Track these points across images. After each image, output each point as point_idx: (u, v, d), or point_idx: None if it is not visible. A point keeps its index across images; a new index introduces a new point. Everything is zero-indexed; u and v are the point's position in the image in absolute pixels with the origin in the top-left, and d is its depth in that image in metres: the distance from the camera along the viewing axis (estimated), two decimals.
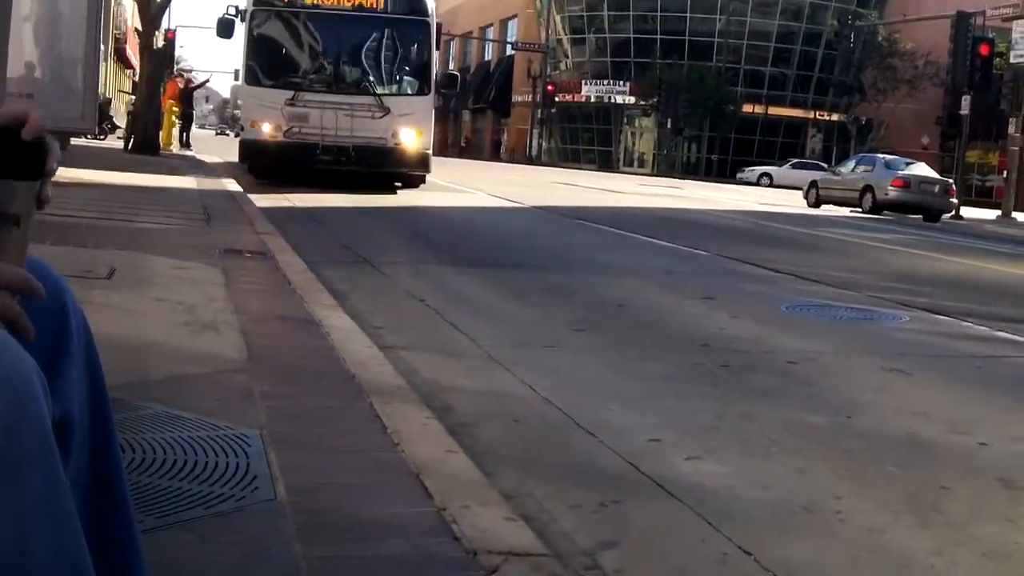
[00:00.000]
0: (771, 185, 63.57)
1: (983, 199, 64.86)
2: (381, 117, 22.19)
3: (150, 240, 10.31)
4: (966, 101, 38.99)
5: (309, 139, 21.82)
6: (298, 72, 22.90)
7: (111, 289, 7.35)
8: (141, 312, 6.65)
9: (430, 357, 6.76)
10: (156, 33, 30.49)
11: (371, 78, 23.00)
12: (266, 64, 22.73)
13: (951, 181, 37.43)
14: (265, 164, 22.96)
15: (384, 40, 23.18)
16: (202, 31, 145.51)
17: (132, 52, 49.84)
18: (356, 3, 22.65)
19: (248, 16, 22.64)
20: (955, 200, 36.44)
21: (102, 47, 19.38)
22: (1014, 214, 37.85)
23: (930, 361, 8.17)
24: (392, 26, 23.05)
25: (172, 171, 22.36)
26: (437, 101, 24.89)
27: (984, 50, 35.30)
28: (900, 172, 35.47)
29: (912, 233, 26.25)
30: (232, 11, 23.84)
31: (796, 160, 72.42)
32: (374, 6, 22.77)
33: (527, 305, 9.42)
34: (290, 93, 21.95)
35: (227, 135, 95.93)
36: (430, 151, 23.25)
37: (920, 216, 34.82)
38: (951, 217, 35.95)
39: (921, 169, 36.56)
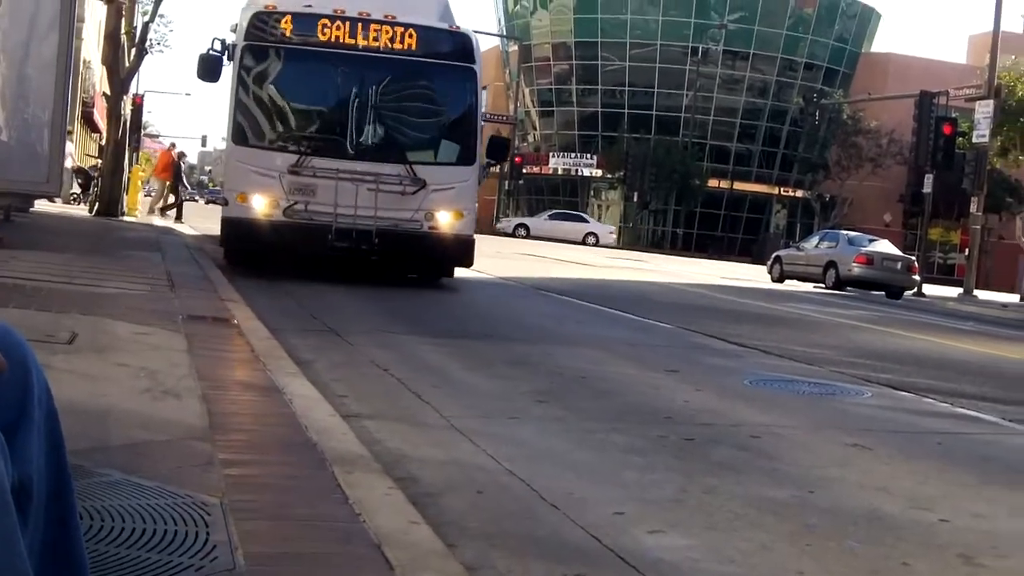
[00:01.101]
0: (527, 236, 63.55)
1: (945, 276, 65.55)
2: (414, 192, 16.76)
3: (113, 305, 10.24)
4: (929, 179, 39.45)
5: (318, 219, 16.49)
6: (304, 130, 17.51)
7: (73, 354, 7.29)
8: (103, 377, 6.60)
9: (394, 426, 6.73)
10: (124, 98, 30.48)
11: (401, 141, 17.52)
12: (261, 118, 17.16)
13: (914, 258, 37.79)
14: (256, 250, 17.33)
15: (419, 92, 17.84)
16: (170, 96, 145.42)
17: (99, 116, 49.76)
18: (383, 43, 17.05)
19: (238, 55, 16.83)
20: (917, 277, 36.76)
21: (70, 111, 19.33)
22: (976, 292, 38.16)
23: (892, 437, 8.19)
24: (430, 74, 17.72)
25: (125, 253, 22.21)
26: (482, 173, 18.81)
27: (947, 129, 35.78)
28: (863, 249, 35.79)
29: (875, 309, 26.41)
30: (217, 47, 17.60)
31: (554, 211, 72.83)
32: (407, 47, 17.15)
33: (491, 376, 9.40)
34: (293, 158, 16.56)
35: (196, 200, 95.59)
36: (474, 237, 17.86)
37: (883, 293, 35.09)
38: (914, 294, 36.24)
39: (884, 246, 36.91)
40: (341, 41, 16.86)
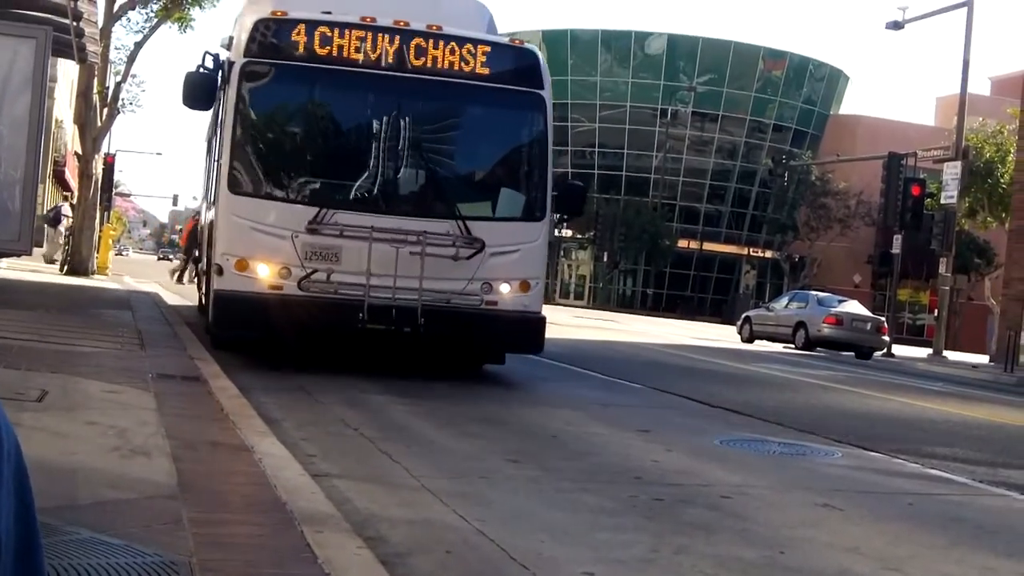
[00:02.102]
0: None
1: (915, 337, 65.88)
2: (468, 257, 12.81)
3: (83, 363, 10.20)
4: (898, 240, 39.74)
5: (346, 293, 12.54)
6: (326, 175, 13.62)
7: (42, 412, 7.25)
8: (72, 436, 6.56)
9: (363, 486, 6.71)
10: (96, 157, 30.49)
11: (452, 190, 13.84)
12: (268, 160, 13.22)
13: (883, 319, 37.98)
14: (258, 334, 13.55)
15: (473, 125, 14.23)
16: (141, 156, 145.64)
17: (71, 175, 49.70)
18: (426, 61, 13.07)
19: (236, 75, 12.77)
20: (887, 338, 36.92)
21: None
22: (945, 352, 38.36)
23: (862, 497, 8.20)
24: (487, 102, 13.72)
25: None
26: (552, 231, 14.84)
27: (915, 191, 36.10)
28: (833, 309, 35.97)
29: (844, 370, 26.50)
30: (209, 64, 13.69)
31: None
32: (458, 67, 13.18)
33: (462, 435, 9.38)
34: (312, 212, 12.57)
35: (170, 259, 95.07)
36: (544, 315, 13.64)
37: (852, 353, 35.21)
38: (883, 355, 36.38)
39: (853, 307, 37.11)
40: (372, 59, 12.91)
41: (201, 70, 13.33)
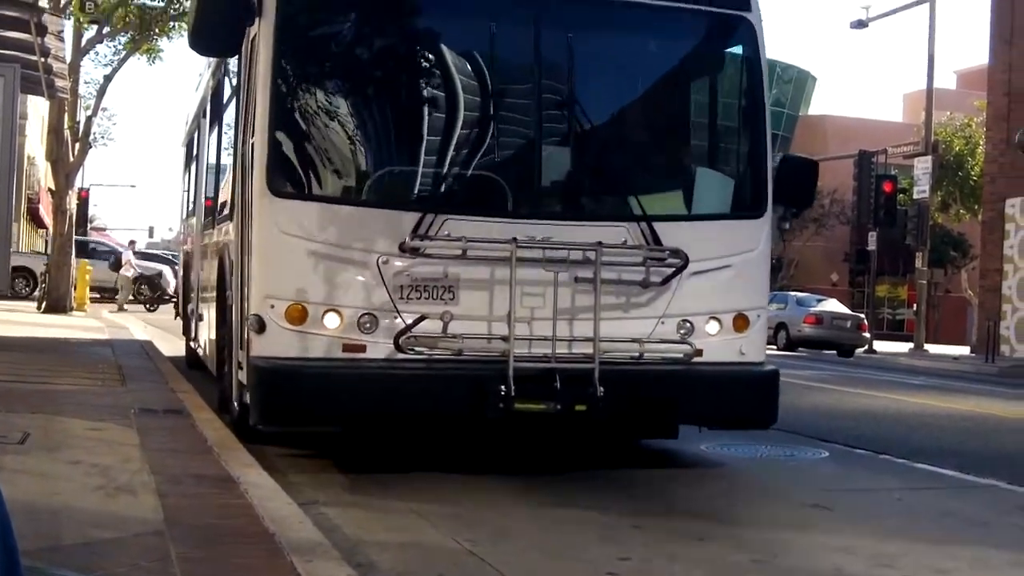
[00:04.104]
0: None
1: (895, 332, 66.04)
2: (662, 281, 8.34)
3: (65, 402, 10.13)
4: (872, 237, 39.93)
5: (473, 354, 7.98)
6: (426, 159, 8.49)
7: (24, 454, 7.21)
8: (55, 476, 6.52)
9: (352, 512, 6.68)
10: (70, 193, 30.38)
11: (627, 176, 9.09)
12: (331, 141, 8.46)
13: (863, 316, 38.13)
14: (325, 422, 8.49)
15: (650, 73, 9.42)
16: (115, 189, 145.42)
17: (45, 212, 49.60)
18: None
19: (273, 7, 8.01)
20: (867, 335, 37.06)
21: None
22: (926, 346, 38.44)
23: (851, 496, 8.22)
24: (668, 35, 9.19)
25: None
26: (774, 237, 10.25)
27: (887, 187, 36.21)
28: (812, 309, 36.10)
29: (827, 369, 26.57)
30: None
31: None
32: None
33: (454, 458, 9.34)
34: (410, 219, 7.92)
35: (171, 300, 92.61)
36: (775, 368, 9.03)
37: (834, 352, 35.32)
38: (865, 351, 36.49)
39: (832, 305, 37.27)
40: None
41: (222, 4, 8.13)
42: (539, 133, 8.40)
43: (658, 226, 8.31)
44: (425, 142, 8.51)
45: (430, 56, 8.69)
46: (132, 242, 43.78)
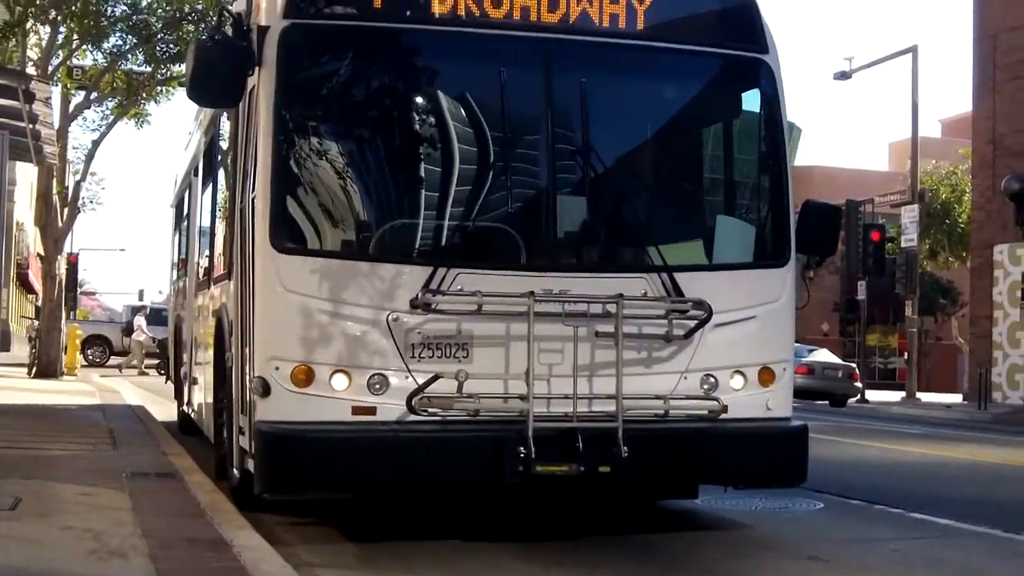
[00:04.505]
0: None
1: (887, 381, 65.97)
2: (685, 335, 8.10)
3: (56, 467, 10.09)
4: (862, 286, 40.01)
5: (490, 414, 7.65)
6: (437, 210, 8.19)
7: (16, 520, 7.18)
8: (48, 542, 6.49)
9: (346, 573, 6.65)
10: (59, 258, 30.40)
11: (646, 225, 8.79)
12: (336, 192, 8.13)
13: (854, 366, 38.12)
14: (335, 488, 8.28)
15: (666, 116, 9.27)
16: (104, 253, 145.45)
17: (35, 277, 49.60)
18: (596, 15, 8.30)
19: (275, 50, 7.76)
20: (859, 384, 37.03)
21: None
22: (918, 394, 38.45)
23: (847, 547, 8.20)
24: (684, 76, 9.03)
25: None
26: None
27: (875, 236, 36.32)
28: (803, 359, 36.05)
29: (820, 419, 26.51)
30: (229, 28, 8.20)
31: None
32: (641, 24, 8.41)
33: (462, 518, 9.31)
34: (422, 273, 7.64)
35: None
36: (804, 424, 8.77)
37: (826, 402, 35.29)
38: (857, 401, 36.44)
39: (824, 355, 37.24)
40: (505, 11, 8.13)
41: (216, 39, 7.90)
42: (554, 181, 8.14)
43: (679, 277, 8.02)
44: (435, 193, 8.16)
45: (438, 104, 8.31)
46: (144, 307, 44.06)
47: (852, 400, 36.19)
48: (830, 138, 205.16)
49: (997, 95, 35.76)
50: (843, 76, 40.48)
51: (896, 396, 40.83)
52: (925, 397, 40.31)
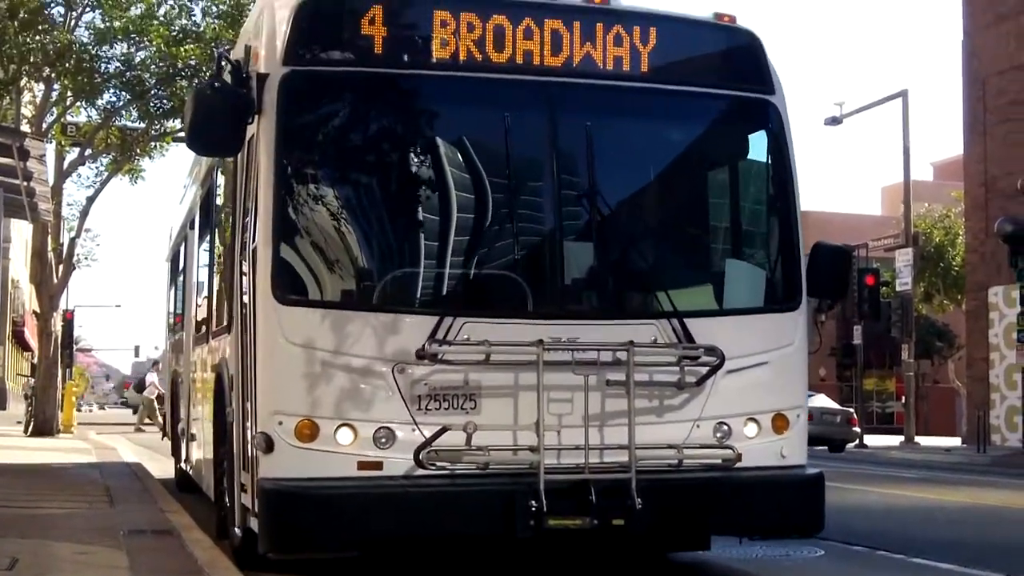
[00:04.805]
0: None
1: (885, 425, 65.94)
2: (698, 382, 7.92)
3: (53, 525, 10.04)
4: (858, 331, 40.07)
5: (500, 467, 7.51)
6: (441, 258, 8.01)
7: None
8: None
9: None
10: (54, 315, 30.41)
11: (656, 269, 8.58)
12: (337, 240, 7.93)
13: (852, 410, 38.10)
14: (342, 546, 7.79)
15: (672, 158, 9.13)
16: (100, 309, 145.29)
17: (31, 334, 49.52)
18: (595, 57, 8.17)
19: (274, 97, 7.64)
20: (857, 429, 36.98)
21: None
22: (917, 438, 38.40)
23: None
24: (690, 118, 8.92)
25: None
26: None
27: (870, 280, 36.39)
28: None
29: (819, 464, 26.41)
30: (228, 76, 7.86)
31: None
32: (646, 67, 8.29)
33: (453, 572, 9.25)
34: (427, 323, 7.47)
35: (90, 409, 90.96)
36: (819, 472, 8.51)
37: (825, 447, 35.21)
38: (856, 446, 36.39)
39: (821, 400, 37.19)
40: (506, 58, 7.99)
41: (216, 86, 7.71)
42: (560, 227, 7.94)
43: (690, 322, 7.84)
44: (440, 241, 7.95)
45: (442, 150, 8.12)
46: (156, 363, 44.10)
47: (851, 445, 36.13)
48: (823, 183, 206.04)
49: (988, 138, 35.96)
50: (834, 121, 40.71)
51: (895, 440, 40.78)
52: (924, 441, 40.24)
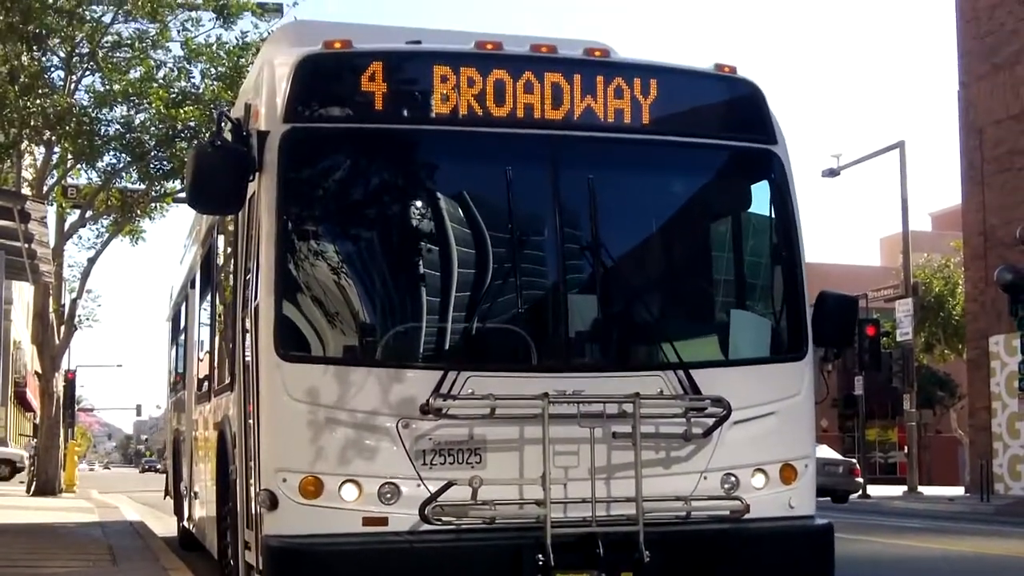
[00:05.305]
0: None
1: (888, 475, 65.72)
2: (704, 433, 7.85)
3: None
4: (859, 382, 40.07)
5: (506, 521, 7.42)
6: (444, 313, 7.91)
7: None
8: None
9: None
10: (56, 375, 30.46)
11: (661, 321, 8.52)
12: (339, 297, 7.90)
13: (854, 461, 38.04)
14: None
15: (675, 210, 9.07)
16: (101, 369, 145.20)
17: (32, 395, 49.54)
18: (600, 111, 8.11)
19: (276, 155, 7.62)
20: (860, 479, 36.90)
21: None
22: (920, 488, 38.30)
23: None
24: (692, 170, 8.81)
25: None
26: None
27: (870, 331, 36.42)
28: None
29: (824, 515, 26.35)
30: (229, 134, 7.98)
31: None
32: (646, 119, 8.22)
33: None
34: (428, 377, 7.45)
35: (157, 470, 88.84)
36: (828, 523, 8.54)
37: (828, 498, 35.12)
38: (859, 497, 36.29)
39: (824, 452, 37.09)
40: (508, 109, 7.95)
41: (218, 143, 7.67)
42: (563, 280, 7.93)
43: (696, 373, 7.83)
44: (443, 296, 7.91)
45: (444, 205, 8.08)
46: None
47: (854, 496, 36.04)
48: (821, 235, 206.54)
49: (986, 187, 36.09)
50: (831, 173, 40.91)
51: (898, 490, 40.64)
52: (927, 490, 40.13)
